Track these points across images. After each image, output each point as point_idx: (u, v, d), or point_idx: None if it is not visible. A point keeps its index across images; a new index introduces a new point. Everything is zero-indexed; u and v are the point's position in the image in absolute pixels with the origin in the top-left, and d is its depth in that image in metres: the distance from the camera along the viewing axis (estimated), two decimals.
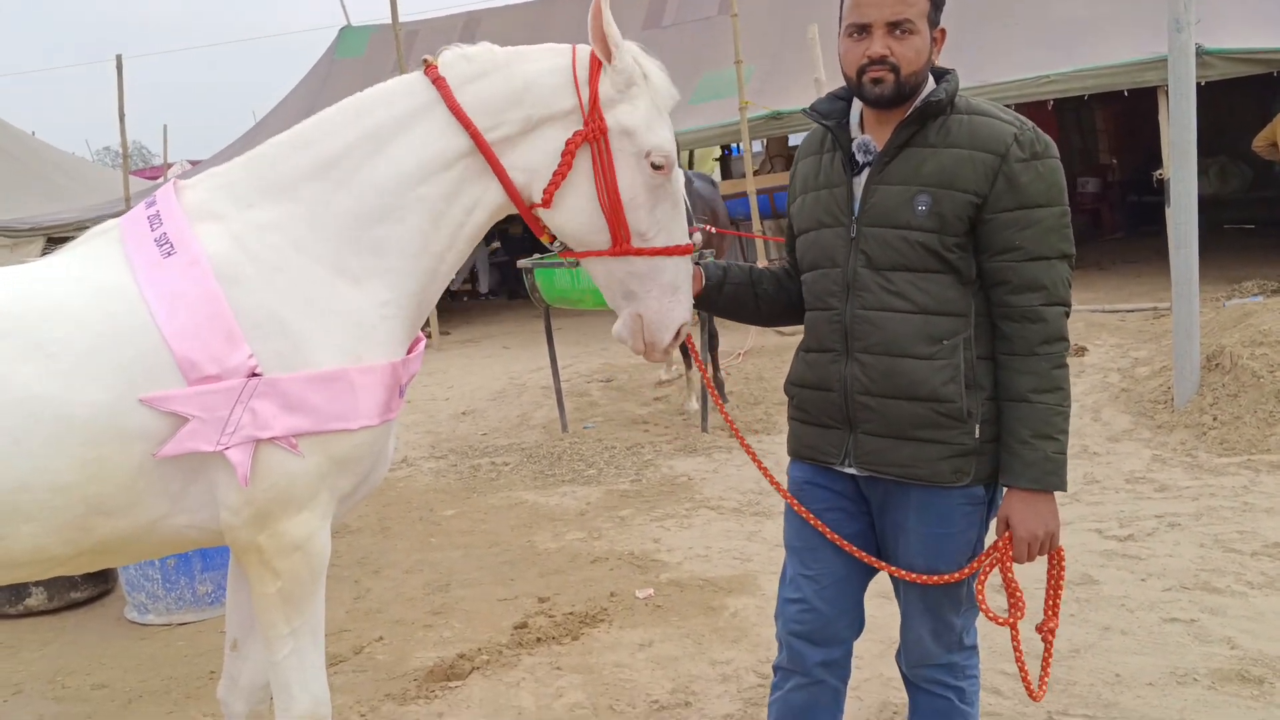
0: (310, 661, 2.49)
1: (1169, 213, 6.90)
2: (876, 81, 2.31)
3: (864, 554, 2.49)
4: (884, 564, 2.49)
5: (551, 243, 2.58)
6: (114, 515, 2.31)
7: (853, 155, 2.43)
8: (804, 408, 2.55)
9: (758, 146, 14.99)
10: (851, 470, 2.47)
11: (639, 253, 2.46)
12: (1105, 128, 16.85)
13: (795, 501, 2.57)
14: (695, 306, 2.64)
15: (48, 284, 2.35)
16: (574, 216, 2.47)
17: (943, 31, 2.36)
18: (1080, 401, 7.37)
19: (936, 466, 2.36)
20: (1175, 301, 6.78)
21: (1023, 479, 2.31)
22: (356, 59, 17.21)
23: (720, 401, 2.82)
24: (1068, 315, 2.34)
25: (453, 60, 2.50)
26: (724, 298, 2.67)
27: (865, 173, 2.41)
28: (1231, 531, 4.83)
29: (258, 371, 2.29)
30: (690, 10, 15.00)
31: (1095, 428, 6.83)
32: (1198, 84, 6.91)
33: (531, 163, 2.47)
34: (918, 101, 2.35)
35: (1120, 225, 16.43)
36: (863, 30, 2.31)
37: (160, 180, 18.69)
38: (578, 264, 2.56)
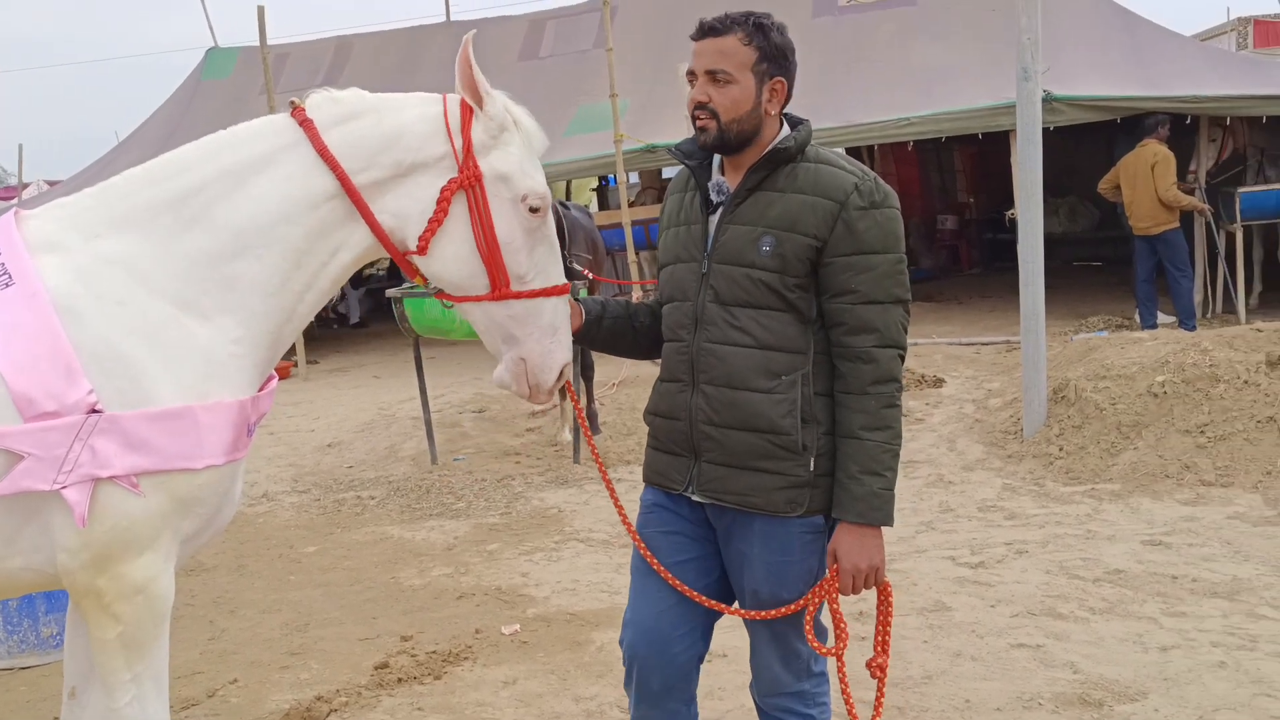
0: (153, 709, 2.40)
1: (1019, 250, 7.21)
2: (702, 129, 2.46)
3: (695, 593, 2.57)
4: (718, 604, 2.58)
5: (425, 285, 2.58)
6: None
7: (709, 195, 2.54)
8: (657, 435, 2.66)
9: (634, 178, 15.13)
10: (696, 497, 2.56)
11: (518, 295, 2.48)
12: (963, 168, 17.57)
13: (645, 548, 2.64)
14: (575, 341, 2.68)
15: None
16: (452, 263, 2.47)
17: (781, 83, 2.47)
18: (937, 431, 7.63)
19: (772, 496, 2.45)
20: (1024, 336, 7.09)
21: (850, 513, 2.41)
22: (223, 80, 16.79)
23: (592, 439, 2.85)
24: (902, 358, 2.45)
25: (320, 102, 2.49)
26: (603, 331, 2.74)
27: (719, 212, 2.52)
28: (1075, 559, 5.06)
29: (98, 408, 2.22)
30: (566, 43, 15.10)
31: (951, 457, 7.08)
32: (1046, 128, 7.29)
33: (403, 209, 2.46)
34: (768, 149, 2.46)
35: (977, 261, 17.12)
36: (693, 77, 2.47)
37: (15, 203, 17.88)
38: (453, 306, 2.57)
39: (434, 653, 4.39)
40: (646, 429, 2.73)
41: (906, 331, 2.46)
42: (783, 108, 2.51)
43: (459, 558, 5.73)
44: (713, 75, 2.42)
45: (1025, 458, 6.78)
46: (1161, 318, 10.41)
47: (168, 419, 2.27)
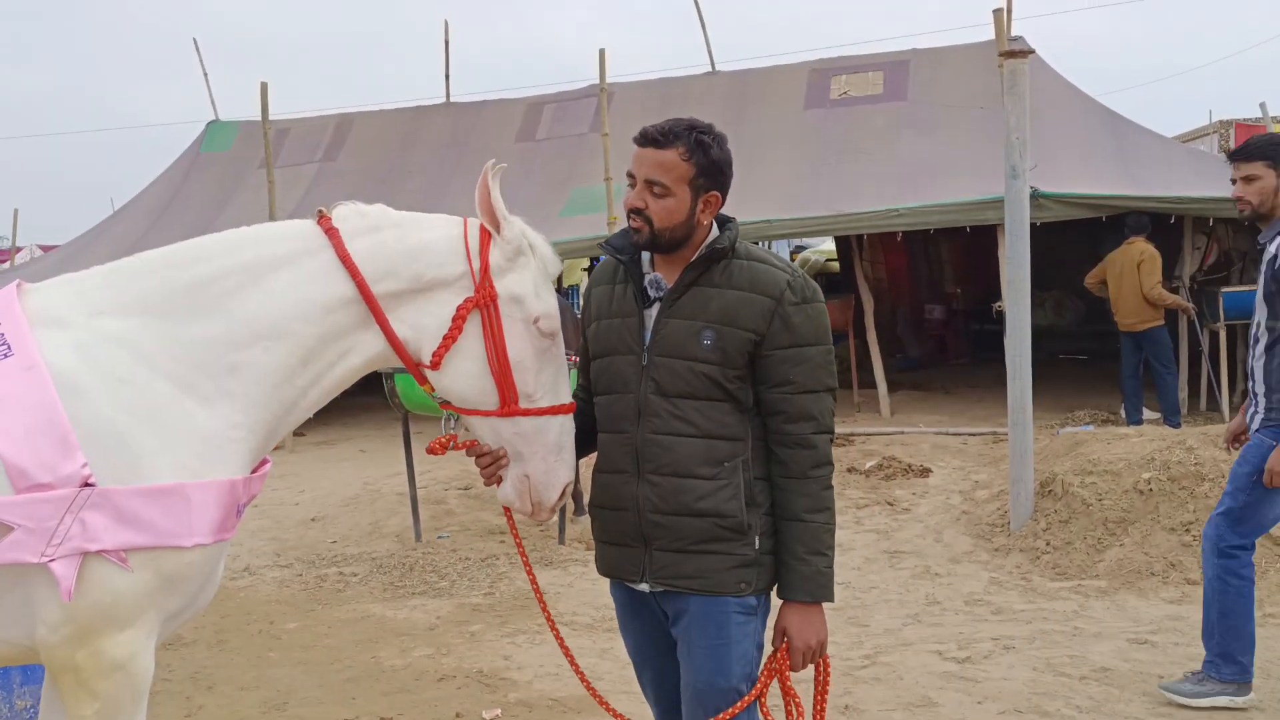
0: None
1: (1007, 343, 7.28)
2: (636, 230, 2.58)
3: None
4: None
5: (431, 393, 2.63)
6: None
7: (645, 289, 2.63)
8: (605, 528, 2.72)
9: None
10: (645, 587, 2.62)
11: (526, 413, 2.55)
12: (950, 259, 17.75)
13: (577, 664, 2.87)
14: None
15: None
16: (463, 378, 2.54)
17: (716, 196, 2.58)
18: (924, 522, 7.62)
19: (722, 577, 2.54)
20: (1011, 429, 7.13)
21: (799, 592, 2.53)
22: (222, 153, 16.97)
23: (515, 532, 2.88)
24: (832, 441, 2.60)
25: (347, 214, 2.57)
26: None
27: (656, 306, 2.62)
28: (1062, 655, 5.03)
29: (91, 481, 2.22)
30: (563, 126, 15.34)
31: (938, 549, 7.05)
32: (1033, 224, 7.41)
33: (420, 322, 2.54)
34: (703, 248, 2.58)
35: (964, 351, 17.22)
36: (633, 180, 2.57)
37: (7, 266, 17.92)
38: (458, 418, 2.64)
39: None
40: None
41: (834, 416, 2.61)
42: (714, 215, 2.62)
43: (441, 638, 5.66)
44: (650, 185, 2.52)
45: (1012, 551, 6.76)
46: (1147, 413, 10.47)
47: (160, 496, 2.27)
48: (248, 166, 16.18)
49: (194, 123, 20.85)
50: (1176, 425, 9.66)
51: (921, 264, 17.48)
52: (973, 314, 17.47)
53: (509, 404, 2.53)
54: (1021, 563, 6.57)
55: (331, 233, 2.51)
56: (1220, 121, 22.11)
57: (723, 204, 2.63)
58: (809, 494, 2.53)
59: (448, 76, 16.63)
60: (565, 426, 2.60)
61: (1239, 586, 4.32)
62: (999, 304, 10.09)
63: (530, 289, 2.56)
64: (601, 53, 12.56)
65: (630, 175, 2.57)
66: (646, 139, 2.55)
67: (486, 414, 2.55)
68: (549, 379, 2.59)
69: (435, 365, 2.53)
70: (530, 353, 2.55)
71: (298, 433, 12.89)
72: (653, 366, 2.57)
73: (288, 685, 5.05)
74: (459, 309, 2.51)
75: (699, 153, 2.52)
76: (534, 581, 2.90)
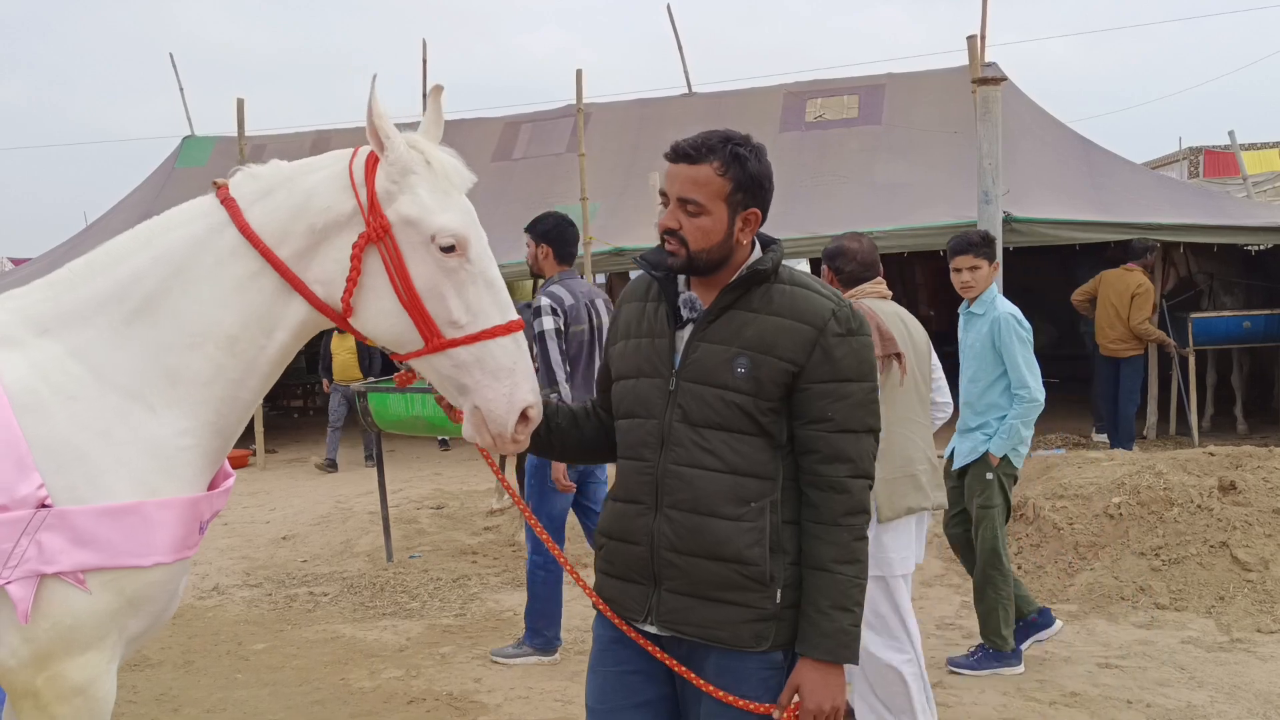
0: None
1: None
2: (672, 253, 2.39)
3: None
4: None
5: (373, 344, 2.50)
6: None
7: (678, 309, 2.45)
8: (610, 560, 2.51)
9: (600, 278, 15.31)
10: (653, 629, 2.43)
11: (454, 344, 2.34)
12: (924, 282, 17.88)
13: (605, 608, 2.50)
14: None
15: None
16: (377, 319, 2.39)
17: (756, 213, 2.40)
18: None
19: (738, 630, 2.33)
20: None
21: (818, 649, 2.30)
22: (198, 169, 16.86)
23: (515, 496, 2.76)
24: (870, 488, 2.39)
25: (241, 180, 2.47)
26: (554, 435, 2.61)
27: (689, 328, 2.43)
28: (1032, 680, 5.05)
29: (48, 503, 2.19)
30: (540, 146, 15.37)
31: None
32: (1005, 248, 7.47)
33: (328, 274, 2.39)
34: (743, 269, 2.41)
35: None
36: (665, 198, 2.39)
37: None
38: (403, 365, 2.48)
39: None
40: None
41: (875, 460, 2.40)
42: (754, 233, 2.44)
43: (411, 660, 5.61)
44: (684, 204, 2.34)
45: None
46: (1096, 436, 10.60)
47: (118, 515, 2.24)
48: None
49: (170, 138, 20.78)
50: (1128, 448, 9.76)
51: (895, 287, 17.53)
52: (945, 337, 17.58)
53: (431, 339, 2.34)
54: None
55: (228, 204, 2.41)
56: (1190, 148, 22.41)
57: (763, 221, 2.43)
58: (838, 543, 2.31)
59: (425, 95, 16.62)
60: (508, 347, 2.36)
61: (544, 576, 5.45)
62: None
63: (421, 209, 2.34)
64: (579, 73, 12.59)
65: (663, 194, 2.38)
66: (679, 154, 2.35)
67: (416, 354, 2.36)
68: (476, 300, 2.36)
69: (346, 312, 2.38)
70: (440, 276, 2.34)
71: (269, 449, 12.80)
72: (681, 392, 2.38)
73: (255, 707, 4.99)
74: (354, 247, 2.34)
75: (735, 166, 2.34)
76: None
